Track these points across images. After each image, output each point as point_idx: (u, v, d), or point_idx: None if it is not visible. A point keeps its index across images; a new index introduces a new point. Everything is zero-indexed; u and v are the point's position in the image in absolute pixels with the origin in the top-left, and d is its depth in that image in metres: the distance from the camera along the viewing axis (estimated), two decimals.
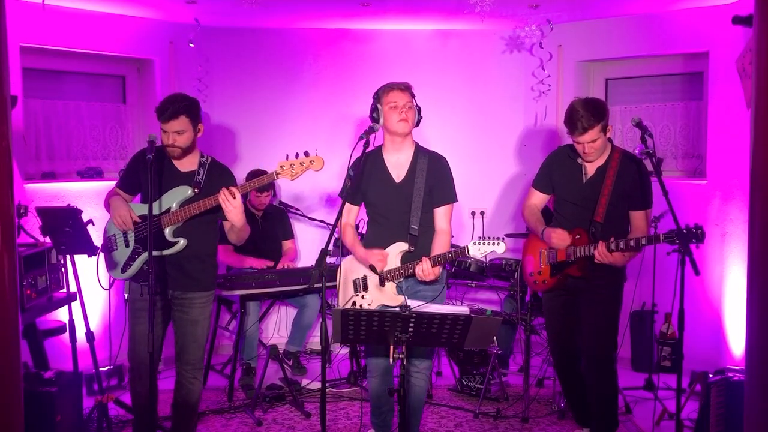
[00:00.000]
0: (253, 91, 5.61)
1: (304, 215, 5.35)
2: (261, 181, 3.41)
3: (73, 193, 4.74)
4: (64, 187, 4.77)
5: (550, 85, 5.30)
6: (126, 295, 3.58)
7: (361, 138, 3.28)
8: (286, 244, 5.34)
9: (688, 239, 3.23)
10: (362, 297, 3.43)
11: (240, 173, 5.14)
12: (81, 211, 3.40)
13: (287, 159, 3.39)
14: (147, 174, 3.37)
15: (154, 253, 3.39)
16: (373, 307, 3.38)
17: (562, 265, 3.60)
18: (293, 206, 5.33)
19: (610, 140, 3.59)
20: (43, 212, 3.45)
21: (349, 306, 3.42)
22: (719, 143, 4.77)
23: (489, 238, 3.24)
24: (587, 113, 3.41)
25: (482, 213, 5.65)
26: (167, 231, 3.40)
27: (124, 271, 3.46)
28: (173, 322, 3.50)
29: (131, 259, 3.45)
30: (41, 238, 3.90)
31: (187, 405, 3.59)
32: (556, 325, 3.79)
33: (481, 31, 5.51)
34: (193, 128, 3.39)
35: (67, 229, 3.33)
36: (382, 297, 3.39)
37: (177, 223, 3.39)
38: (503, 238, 3.22)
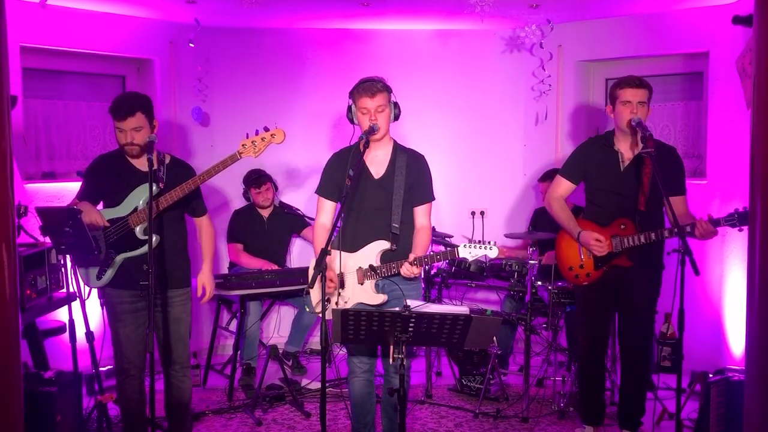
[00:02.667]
0: (253, 91, 5.60)
1: (303, 215, 5.35)
2: (225, 164, 3.37)
3: (73, 193, 4.68)
4: (64, 187, 4.76)
5: (550, 85, 5.30)
6: (100, 300, 3.54)
7: (360, 138, 3.29)
8: (309, 234, 5.28)
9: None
10: (338, 294, 3.36)
11: (240, 173, 5.15)
12: (81, 211, 3.39)
13: (247, 137, 3.39)
14: (110, 177, 3.40)
15: (130, 254, 3.40)
16: (350, 305, 3.34)
17: (609, 256, 3.59)
18: (293, 206, 5.33)
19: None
20: (43, 212, 3.44)
21: (320, 307, 3.29)
22: (719, 143, 4.77)
23: (481, 241, 3.25)
24: (640, 77, 3.53)
25: (482, 213, 5.65)
26: (138, 230, 3.39)
27: (99, 277, 3.43)
28: (154, 324, 3.46)
29: (105, 264, 3.42)
30: (41, 238, 3.89)
31: (182, 404, 3.60)
32: (591, 315, 3.74)
33: (481, 31, 5.51)
34: (149, 124, 3.36)
35: (67, 229, 3.32)
36: (360, 295, 3.35)
37: (146, 221, 3.35)
38: (496, 242, 3.22)
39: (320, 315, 3.26)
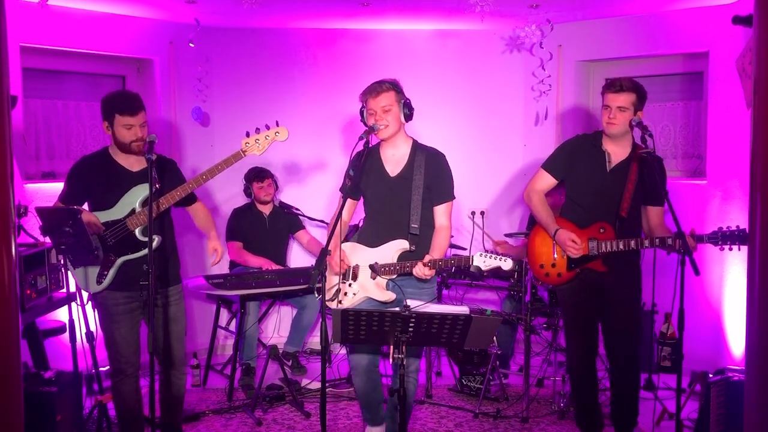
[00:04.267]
0: (254, 91, 5.60)
1: (303, 215, 5.35)
2: (228, 162, 3.37)
3: None
4: None
5: (550, 85, 5.30)
6: (92, 303, 3.53)
7: (360, 138, 3.29)
8: (303, 237, 5.30)
9: (739, 240, 3.33)
10: (349, 285, 3.40)
11: (241, 173, 5.15)
12: (81, 211, 3.39)
13: (248, 136, 3.39)
14: (99, 178, 3.36)
15: (131, 256, 3.39)
16: (357, 297, 3.37)
17: (583, 258, 3.55)
18: (293, 206, 5.33)
19: (636, 143, 3.54)
20: (42, 212, 3.44)
21: (332, 292, 3.38)
22: (719, 143, 4.77)
23: (497, 254, 3.26)
24: (629, 80, 3.47)
25: (482, 213, 5.64)
26: (137, 232, 3.38)
27: (99, 282, 3.40)
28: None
29: (105, 268, 3.40)
30: (41, 238, 3.89)
31: (179, 400, 3.65)
32: (580, 322, 3.68)
33: (481, 31, 5.51)
34: (146, 123, 3.37)
35: (67, 229, 3.32)
36: (369, 290, 3.36)
37: (145, 223, 3.34)
38: (511, 257, 3.22)
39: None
